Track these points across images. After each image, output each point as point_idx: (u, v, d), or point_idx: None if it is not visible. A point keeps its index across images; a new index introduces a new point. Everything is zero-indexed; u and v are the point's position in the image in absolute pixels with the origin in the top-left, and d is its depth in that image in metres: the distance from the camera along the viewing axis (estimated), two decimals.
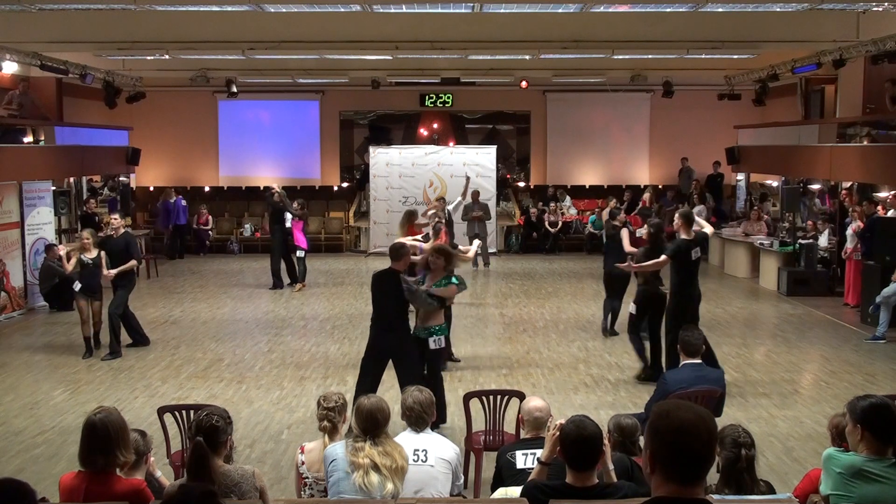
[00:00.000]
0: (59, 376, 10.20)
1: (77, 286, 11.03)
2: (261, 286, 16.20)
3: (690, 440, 2.44)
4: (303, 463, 4.95)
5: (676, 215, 9.65)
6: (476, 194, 17.94)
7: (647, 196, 17.23)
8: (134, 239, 11.69)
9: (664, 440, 2.48)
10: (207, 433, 4.24)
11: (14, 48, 13.27)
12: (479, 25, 13.28)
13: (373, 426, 4.51)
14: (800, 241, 15.38)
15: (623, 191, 20.67)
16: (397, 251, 8.08)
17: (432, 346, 7.97)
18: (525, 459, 4.69)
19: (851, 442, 4.02)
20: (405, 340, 7.89)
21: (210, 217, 21.09)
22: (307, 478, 4.91)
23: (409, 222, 12.16)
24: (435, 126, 24.36)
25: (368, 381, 7.85)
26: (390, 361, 7.92)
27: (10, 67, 14.62)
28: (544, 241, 20.39)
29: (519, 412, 6.63)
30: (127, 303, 11.28)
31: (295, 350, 11.34)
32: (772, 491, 4.47)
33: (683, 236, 9.30)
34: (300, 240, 15.68)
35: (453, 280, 8.15)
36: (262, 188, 21.77)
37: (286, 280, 16.06)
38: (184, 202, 20.52)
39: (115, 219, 11.89)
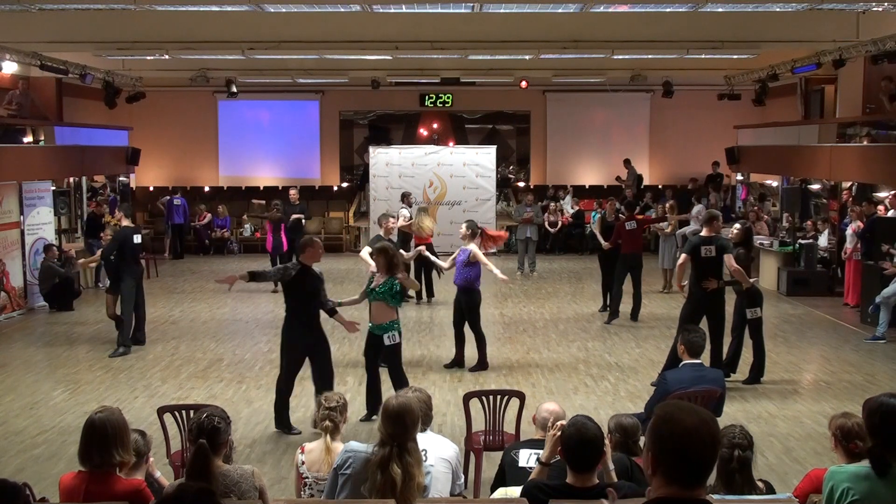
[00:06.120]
0: (58, 376, 10.20)
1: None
2: (260, 286, 16.17)
3: (694, 445, 2.44)
4: (303, 463, 4.95)
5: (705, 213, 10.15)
6: (530, 197, 17.97)
7: (670, 204, 17.25)
8: (115, 236, 11.77)
9: (667, 445, 2.47)
10: (209, 434, 4.23)
11: (14, 48, 13.27)
12: (479, 25, 13.28)
13: (400, 431, 4.09)
14: (800, 241, 15.38)
15: (622, 191, 20.67)
16: (302, 245, 8.28)
17: (387, 342, 8.19)
18: (528, 458, 4.69)
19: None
20: (323, 338, 8.22)
21: (210, 216, 21.12)
22: (307, 477, 4.91)
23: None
24: (435, 126, 24.33)
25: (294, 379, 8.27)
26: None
27: (10, 67, 14.63)
28: (544, 241, 20.39)
29: (520, 411, 6.66)
30: (133, 297, 11.38)
31: None
32: (772, 491, 4.47)
33: (702, 233, 9.56)
34: (269, 242, 16.20)
35: (394, 283, 8.24)
36: (261, 189, 21.82)
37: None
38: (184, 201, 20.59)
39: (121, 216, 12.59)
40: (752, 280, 9.74)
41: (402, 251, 10.50)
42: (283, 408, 8.16)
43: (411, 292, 13.05)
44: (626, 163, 21.31)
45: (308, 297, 8.07)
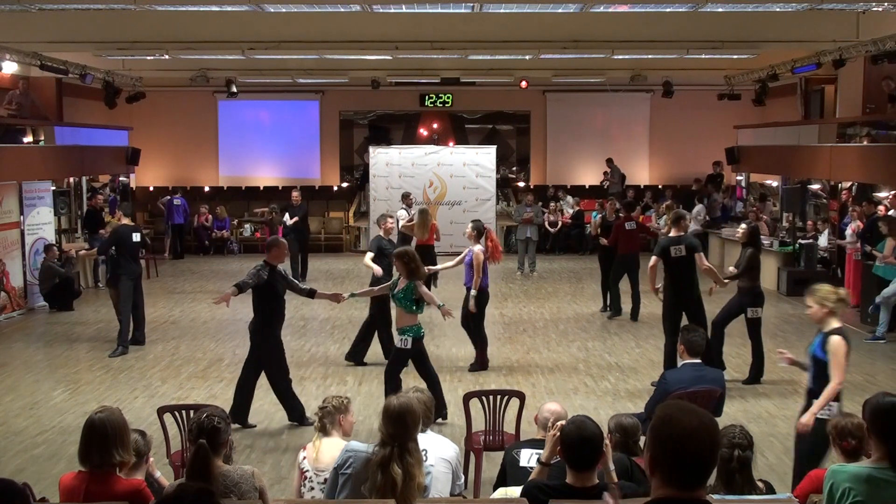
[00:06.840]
0: (58, 376, 10.20)
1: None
2: None
3: (694, 447, 2.44)
4: (304, 458, 4.98)
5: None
6: (530, 197, 17.98)
7: (667, 204, 17.34)
8: (112, 233, 11.81)
9: (667, 447, 2.47)
10: (209, 435, 4.23)
11: (14, 48, 13.28)
12: (479, 25, 13.28)
13: (401, 431, 4.12)
14: (800, 241, 15.38)
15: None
16: (268, 245, 8.58)
17: (398, 344, 8.16)
18: (529, 458, 4.69)
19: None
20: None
21: (210, 216, 21.13)
22: (307, 470, 4.92)
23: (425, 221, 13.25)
24: (435, 126, 24.35)
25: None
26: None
27: (10, 67, 14.63)
28: (544, 241, 20.40)
29: (520, 411, 6.66)
30: (131, 297, 11.29)
31: (295, 350, 11.32)
32: (772, 491, 4.47)
33: (670, 234, 9.62)
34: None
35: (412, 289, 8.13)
36: (261, 188, 21.82)
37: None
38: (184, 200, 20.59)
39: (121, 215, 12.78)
40: (726, 281, 9.81)
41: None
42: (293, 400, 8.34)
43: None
44: (609, 162, 21.34)
45: (281, 295, 8.33)
